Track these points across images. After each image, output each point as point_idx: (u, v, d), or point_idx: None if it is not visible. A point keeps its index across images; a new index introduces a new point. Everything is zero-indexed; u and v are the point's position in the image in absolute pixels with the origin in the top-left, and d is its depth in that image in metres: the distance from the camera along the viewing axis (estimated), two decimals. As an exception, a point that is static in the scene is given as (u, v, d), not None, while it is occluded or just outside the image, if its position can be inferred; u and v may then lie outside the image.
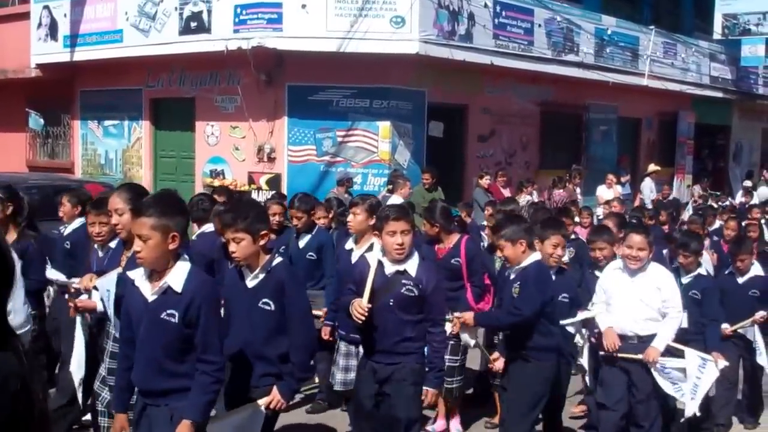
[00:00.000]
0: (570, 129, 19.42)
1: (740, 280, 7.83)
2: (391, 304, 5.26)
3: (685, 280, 7.30)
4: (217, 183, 14.44)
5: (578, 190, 17.18)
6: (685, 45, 21.53)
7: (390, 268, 5.33)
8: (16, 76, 18.11)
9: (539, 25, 16.49)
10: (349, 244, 6.93)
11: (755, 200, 18.21)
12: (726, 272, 8.17)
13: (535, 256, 6.00)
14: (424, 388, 5.27)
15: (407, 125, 14.87)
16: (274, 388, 4.99)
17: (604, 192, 17.41)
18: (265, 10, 13.89)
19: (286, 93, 14.64)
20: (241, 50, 13.82)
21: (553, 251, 6.19)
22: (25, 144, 19.63)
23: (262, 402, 4.96)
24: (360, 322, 5.23)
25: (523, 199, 15.05)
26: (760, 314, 7.50)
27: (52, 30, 17.19)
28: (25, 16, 17.77)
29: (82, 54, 16.60)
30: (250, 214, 4.98)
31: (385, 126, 14.57)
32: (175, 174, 16.80)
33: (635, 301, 6.39)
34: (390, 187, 13.28)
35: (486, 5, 15.12)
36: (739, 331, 7.60)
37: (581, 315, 6.79)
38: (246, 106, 14.90)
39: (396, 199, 12.17)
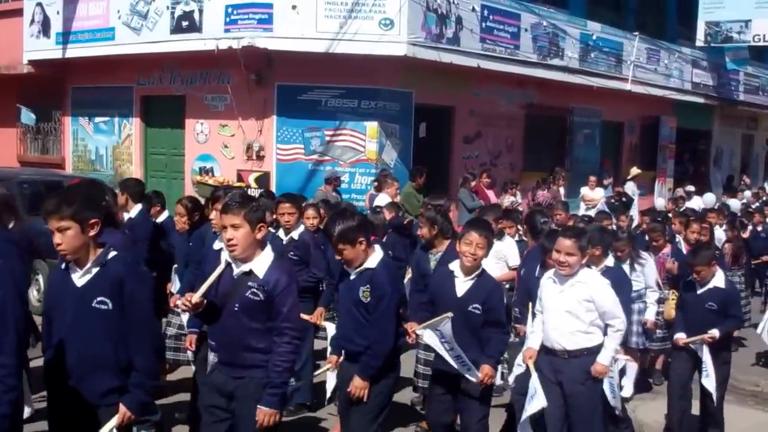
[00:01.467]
0: (554, 132, 19.71)
1: (699, 290, 7.33)
2: (236, 309, 4.72)
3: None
4: (209, 180, 14.62)
5: (562, 191, 17.46)
6: (668, 51, 21.87)
7: (237, 269, 4.79)
8: (8, 72, 18.23)
9: (525, 30, 16.73)
10: (217, 244, 6.34)
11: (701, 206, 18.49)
12: (687, 280, 7.65)
13: (376, 257, 5.48)
14: (258, 406, 4.62)
15: (394, 126, 15.11)
16: (120, 405, 4.39)
17: (587, 192, 17.74)
18: (256, 10, 14.06)
19: (275, 92, 14.84)
20: (231, 50, 13.99)
21: (466, 249, 5.72)
22: (16, 139, 19.74)
23: (108, 427, 4.35)
24: (186, 311, 4.94)
25: (508, 200, 15.34)
26: (711, 333, 7.07)
27: (45, 27, 17.32)
28: (18, 12, 17.87)
29: (74, 51, 16.74)
30: (77, 199, 4.41)
31: (372, 126, 14.81)
32: (165, 171, 16.99)
33: (562, 312, 6.01)
34: (376, 185, 13.55)
35: (474, 9, 15.37)
36: (691, 346, 7.26)
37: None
38: (235, 105, 15.08)
39: (383, 198, 12.46)
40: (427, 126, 15.80)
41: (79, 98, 18.13)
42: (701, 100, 23.66)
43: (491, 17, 15.84)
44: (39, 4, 17.40)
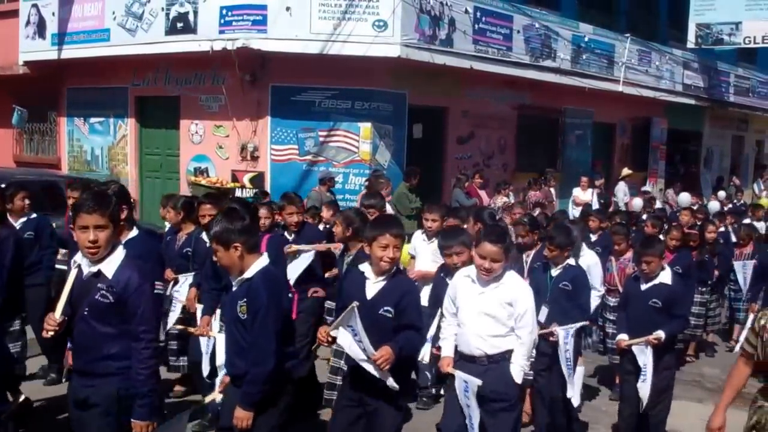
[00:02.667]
0: (546, 133, 19.83)
1: (643, 286, 6.95)
2: (85, 313, 4.45)
3: (555, 272, 7.06)
4: (203, 181, 14.73)
5: (553, 191, 17.60)
6: (660, 53, 22.03)
7: (86, 270, 4.54)
8: (4, 73, 18.31)
9: (518, 31, 16.85)
10: None
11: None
12: (632, 276, 7.40)
13: (257, 266, 4.87)
14: (132, 420, 4.43)
15: (388, 126, 15.22)
16: None
17: (579, 194, 17.88)
18: (251, 11, 14.15)
19: (269, 93, 14.94)
20: (226, 51, 14.08)
21: (382, 254, 5.19)
22: (11, 140, 19.83)
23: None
24: (49, 336, 4.46)
25: (500, 200, 15.46)
26: (656, 335, 6.66)
27: (40, 28, 17.41)
28: (14, 14, 17.97)
29: (70, 52, 16.81)
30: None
31: (366, 127, 14.92)
32: (159, 171, 17.08)
33: (482, 315, 5.59)
34: (368, 185, 13.64)
35: (466, 11, 15.50)
36: (633, 348, 6.81)
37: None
38: (230, 106, 15.17)
39: (376, 198, 12.55)
40: (421, 127, 15.90)
41: (75, 99, 18.21)
42: (692, 102, 23.82)
43: (484, 19, 15.96)
44: (35, 6, 17.49)
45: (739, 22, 21.58)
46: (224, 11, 14.35)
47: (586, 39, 18.92)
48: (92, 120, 17.99)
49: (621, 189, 19.78)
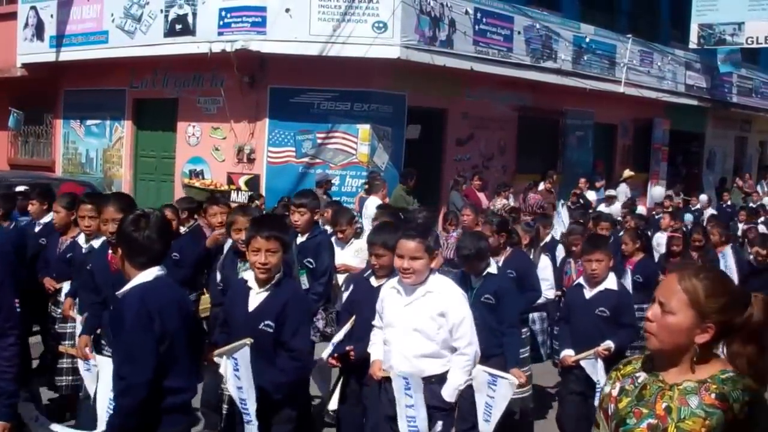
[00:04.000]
0: (547, 134, 19.73)
1: (588, 294, 6.27)
2: None
3: (475, 284, 6.22)
4: (197, 183, 14.65)
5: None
6: (662, 54, 21.90)
7: None
8: (2, 75, 18.25)
9: (519, 32, 16.75)
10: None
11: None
12: (575, 283, 6.72)
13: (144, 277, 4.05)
14: None
15: (387, 128, 15.14)
16: None
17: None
18: (250, 13, 14.10)
19: (268, 95, 14.88)
20: (224, 53, 14.04)
21: (254, 259, 4.76)
22: (6, 142, 19.74)
23: None
24: None
25: (500, 202, 15.35)
26: (605, 345, 6.01)
27: (39, 30, 17.37)
28: (12, 16, 17.95)
29: (68, 54, 16.78)
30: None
31: (364, 129, 14.83)
32: (154, 174, 17.01)
33: (408, 330, 4.95)
34: (367, 188, 13.58)
35: (467, 12, 15.41)
36: (582, 363, 6.14)
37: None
38: (228, 108, 15.12)
39: (374, 201, 12.48)
40: (419, 128, 15.81)
41: (72, 101, 18.16)
42: (694, 103, 23.68)
43: (484, 20, 15.87)
44: (33, 8, 17.45)
45: (741, 22, 21.47)
46: (223, 13, 14.31)
47: (587, 40, 18.81)
48: (88, 122, 17.94)
49: (622, 191, 19.66)
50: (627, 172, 20.34)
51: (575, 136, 20.46)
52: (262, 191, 14.09)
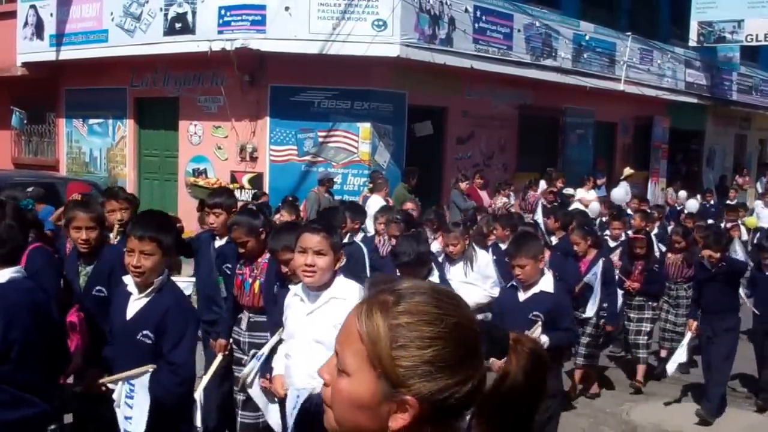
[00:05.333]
0: (547, 132, 19.75)
1: (522, 296, 5.82)
2: None
3: None
4: (201, 182, 14.66)
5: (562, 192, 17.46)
6: (661, 51, 21.94)
7: None
8: (2, 74, 18.23)
9: (518, 30, 16.77)
10: None
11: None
12: (509, 285, 6.22)
13: None
14: None
15: (387, 126, 15.15)
16: None
17: (584, 194, 17.74)
18: (249, 11, 14.10)
19: (268, 94, 14.88)
20: (224, 51, 14.02)
21: (128, 260, 4.34)
22: (10, 141, 19.75)
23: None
24: None
25: (500, 201, 15.38)
26: (535, 333, 5.53)
27: (39, 29, 17.37)
28: (12, 15, 17.94)
29: (68, 53, 16.78)
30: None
31: (365, 127, 14.85)
32: (158, 173, 17.03)
33: (311, 343, 4.41)
34: (371, 186, 13.59)
35: (466, 10, 15.42)
36: None
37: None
38: (229, 106, 15.11)
39: (376, 199, 12.50)
40: (430, 125, 15.78)
41: (73, 100, 18.15)
42: (694, 100, 23.72)
43: (484, 18, 15.89)
44: (32, 7, 17.44)
45: (741, 19, 21.49)
46: (223, 11, 14.30)
47: (587, 38, 18.84)
48: (91, 121, 17.94)
49: (623, 189, 19.68)
50: (627, 170, 20.33)
51: (575, 134, 20.49)
52: (266, 189, 14.11)
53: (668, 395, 8.93)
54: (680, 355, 8.43)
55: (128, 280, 4.37)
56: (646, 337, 9.28)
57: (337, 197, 13.71)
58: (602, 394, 9.03)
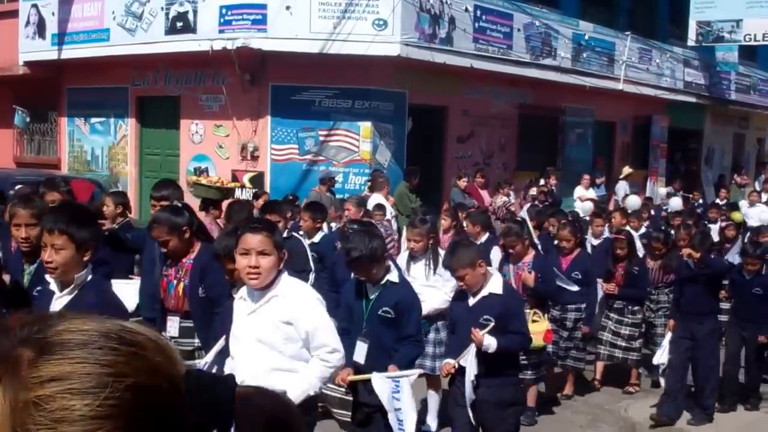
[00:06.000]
0: (547, 131, 19.81)
1: (471, 301, 5.66)
2: None
3: (372, 294, 5.40)
4: (203, 180, 14.68)
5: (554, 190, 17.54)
6: (660, 51, 22.00)
7: None
8: (4, 73, 18.25)
9: (518, 30, 16.82)
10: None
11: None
12: (459, 290, 6.05)
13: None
14: None
15: (388, 126, 15.21)
16: None
17: (582, 192, 17.82)
18: (250, 11, 14.15)
19: (269, 93, 14.93)
20: (225, 50, 14.06)
21: (42, 255, 4.10)
22: (12, 140, 19.80)
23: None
24: None
25: (500, 199, 15.45)
26: (483, 336, 5.41)
27: (40, 28, 17.41)
28: (14, 14, 17.95)
29: (70, 52, 16.81)
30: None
31: (366, 126, 14.91)
32: (159, 171, 17.02)
33: (255, 343, 4.30)
34: (370, 185, 13.66)
35: (466, 9, 15.48)
36: (461, 363, 5.58)
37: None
38: (230, 105, 15.16)
39: (377, 198, 12.57)
40: (420, 126, 15.85)
41: (75, 99, 18.20)
42: (693, 100, 23.79)
43: (484, 17, 15.95)
44: (34, 6, 17.47)
45: (739, 19, 21.52)
46: (224, 11, 14.35)
47: (586, 37, 18.90)
48: (92, 120, 17.99)
49: (621, 188, 19.76)
50: (626, 170, 20.42)
51: (575, 134, 20.55)
52: (267, 188, 14.17)
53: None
54: (660, 355, 8.38)
55: (50, 278, 4.08)
56: (626, 341, 8.95)
57: (339, 196, 13.78)
58: (601, 391, 9.11)
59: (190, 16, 14.80)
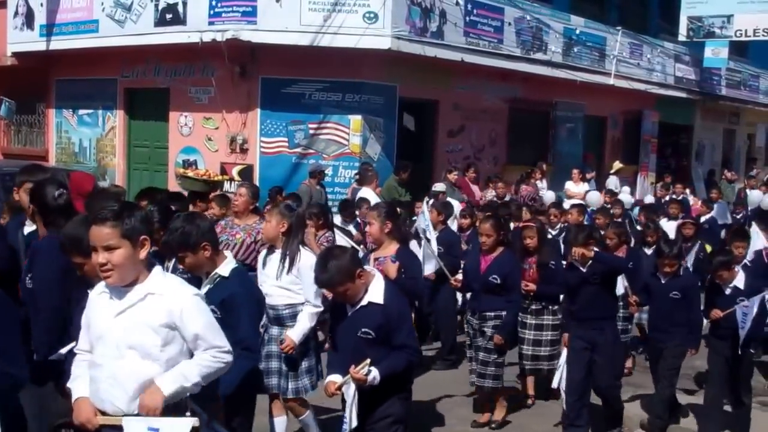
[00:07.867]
0: (537, 126, 19.79)
1: (349, 310, 5.04)
2: None
3: (203, 289, 4.78)
4: (191, 173, 14.63)
5: (545, 185, 17.53)
6: (651, 46, 22.00)
7: None
8: (-8, 64, 18.21)
9: (509, 24, 16.79)
10: None
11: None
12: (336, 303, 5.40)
13: None
14: None
15: (378, 119, 15.16)
16: None
17: (572, 187, 17.79)
18: (240, 3, 14.08)
19: (259, 85, 14.86)
20: (215, 42, 13.99)
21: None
22: (-1, 132, 19.75)
23: None
24: None
25: (490, 193, 15.41)
26: (363, 371, 4.81)
27: (29, 19, 17.28)
28: (2, 4, 17.85)
29: (58, 43, 16.71)
30: None
31: (356, 119, 14.86)
32: (148, 163, 17.00)
33: (121, 349, 3.67)
34: (358, 179, 13.61)
35: (457, 3, 15.42)
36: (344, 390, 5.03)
37: None
38: (219, 98, 15.10)
39: (366, 192, 12.51)
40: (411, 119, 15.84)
41: (63, 90, 18.10)
42: (683, 95, 23.82)
43: (475, 11, 15.90)
44: (23, -4, 17.37)
45: (730, 15, 21.59)
46: (213, 2, 14.29)
47: (577, 32, 18.87)
48: (81, 111, 17.90)
49: (612, 183, 19.74)
50: (617, 165, 20.42)
51: (565, 128, 20.54)
52: (256, 181, 14.09)
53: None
54: (558, 379, 7.35)
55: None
56: (548, 348, 8.03)
57: (328, 189, 13.74)
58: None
59: (180, 8, 14.72)
